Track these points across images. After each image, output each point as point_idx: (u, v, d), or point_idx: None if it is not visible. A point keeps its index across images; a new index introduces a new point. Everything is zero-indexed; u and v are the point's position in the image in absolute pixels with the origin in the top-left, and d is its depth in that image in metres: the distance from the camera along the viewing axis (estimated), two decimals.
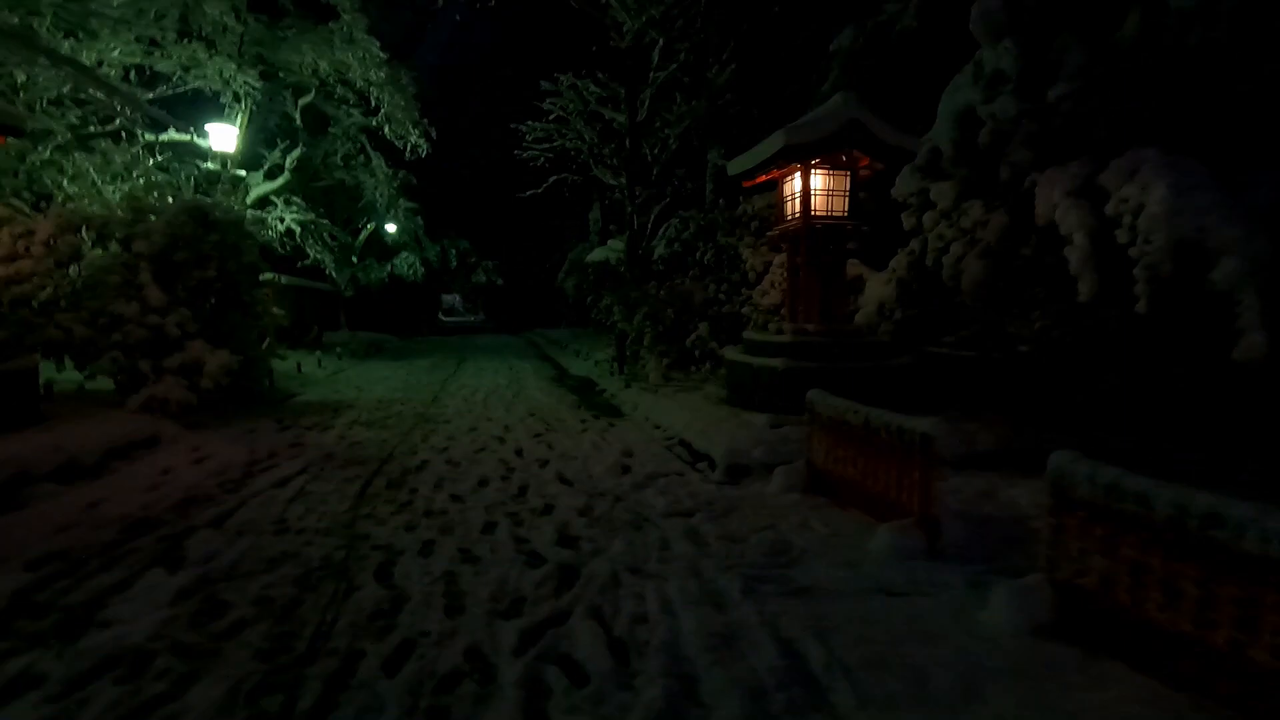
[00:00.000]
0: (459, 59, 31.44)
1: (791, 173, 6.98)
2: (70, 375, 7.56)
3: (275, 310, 10.57)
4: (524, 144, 12.02)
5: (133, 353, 7.14)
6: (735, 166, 7.27)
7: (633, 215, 10.94)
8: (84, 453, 5.28)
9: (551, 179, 12.22)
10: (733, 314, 9.92)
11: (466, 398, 9.86)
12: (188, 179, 10.13)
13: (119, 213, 8.05)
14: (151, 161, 9.68)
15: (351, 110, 14.75)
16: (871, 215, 7.99)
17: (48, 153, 8.98)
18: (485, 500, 4.74)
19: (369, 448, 6.43)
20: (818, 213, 6.81)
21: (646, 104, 10.52)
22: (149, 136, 11.35)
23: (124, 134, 10.76)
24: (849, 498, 4.45)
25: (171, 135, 11.52)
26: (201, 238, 8.15)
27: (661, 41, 10.08)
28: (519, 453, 6.27)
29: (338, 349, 16.08)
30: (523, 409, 8.78)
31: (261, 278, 14.40)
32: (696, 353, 9.87)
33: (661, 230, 11.87)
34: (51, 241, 6.80)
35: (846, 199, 6.90)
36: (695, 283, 10.73)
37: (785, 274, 8.19)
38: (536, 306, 40.96)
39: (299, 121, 13.76)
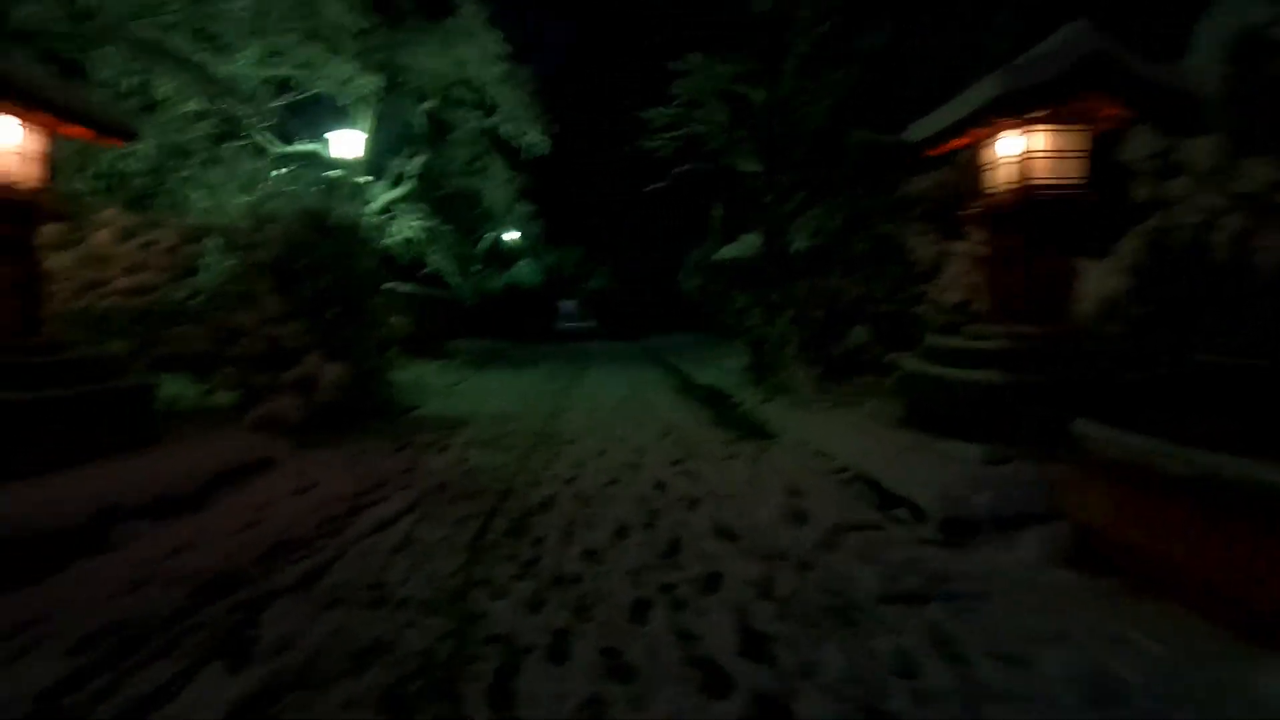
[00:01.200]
0: (575, 59, 31.34)
1: (999, 132, 5.45)
2: (188, 390, 7.34)
3: (396, 319, 10.21)
4: (648, 134, 11.03)
5: (250, 366, 6.75)
6: (921, 130, 5.83)
7: (772, 204, 9.64)
8: (185, 482, 4.73)
9: (680, 169, 11.14)
10: (896, 314, 8.38)
11: (590, 412, 8.95)
12: (309, 187, 9.94)
13: (242, 222, 7.79)
14: (275, 172, 9.55)
15: (471, 114, 14.45)
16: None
17: (187, 170, 8.99)
18: (628, 561, 3.66)
19: (486, 475, 5.57)
20: (1041, 180, 5.24)
21: (789, 76, 9.20)
22: (277, 148, 11.40)
23: (252, 146, 10.82)
24: (1164, 584, 2.97)
25: (297, 147, 11.53)
26: (317, 244, 7.74)
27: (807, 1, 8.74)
28: (659, 487, 5.17)
29: (458, 358, 15.86)
30: (655, 427, 7.71)
31: (383, 286, 14.43)
32: (854, 361, 8.42)
33: (798, 222, 10.48)
34: (174, 251, 6.52)
35: (1080, 162, 5.27)
36: (844, 279, 9.26)
37: (979, 263, 6.60)
38: (652, 312, 40.26)
39: (423, 127, 13.57)
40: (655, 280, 37.22)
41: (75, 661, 2.62)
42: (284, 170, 9.90)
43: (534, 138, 12.91)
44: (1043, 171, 5.24)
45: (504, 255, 28.92)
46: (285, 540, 4.01)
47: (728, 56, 9.87)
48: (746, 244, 11.04)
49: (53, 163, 5.22)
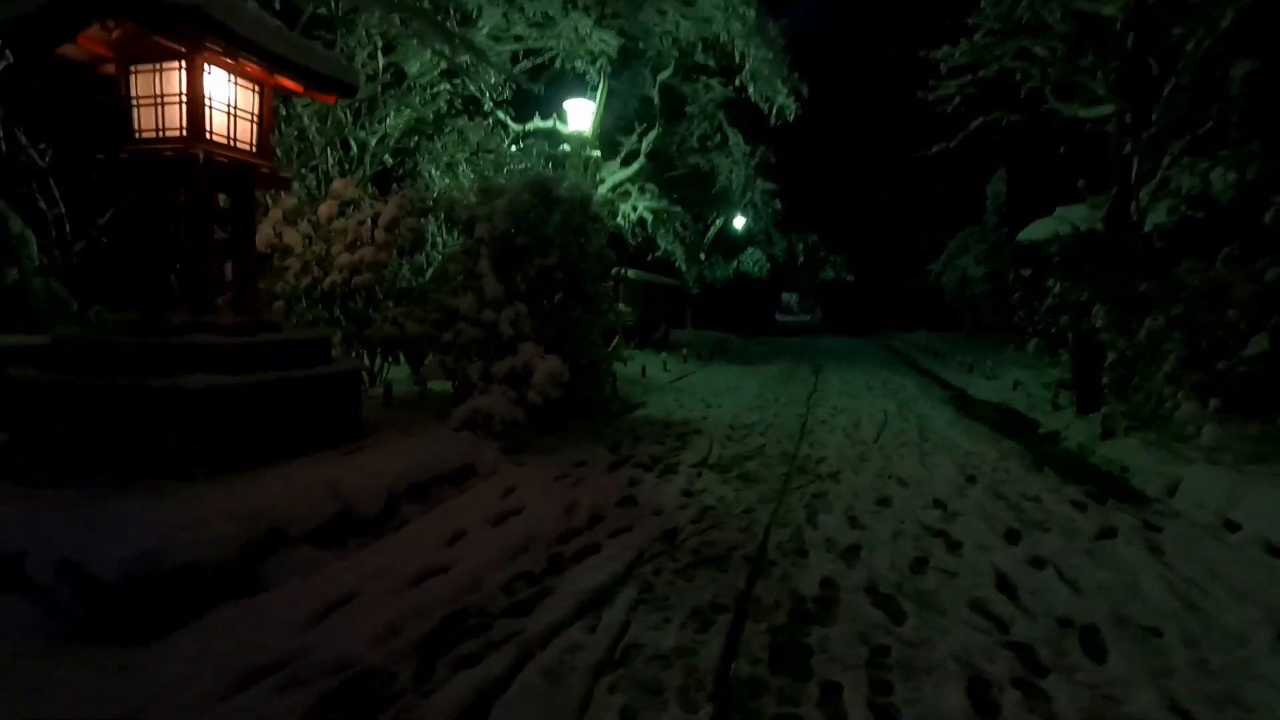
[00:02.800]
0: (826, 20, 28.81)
1: None
2: (402, 377, 6.84)
3: (622, 308, 9.19)
4: (931, 84, 8.69)
5: (463, 355, 5.99)
6: None
7: (1131, 157, 6.83)
8: (369, 497, 3.85)
9: (976, 122, 8.63)
10: None
11: (847, 431, 7.06)
12: (540, 158, 9.22)
13: (471, 195, 7.14)
14: (507, 142, 8.96)
15: (711, 83, 13.09)
16: None
17: (416, 139, 8.72)
18: None
19: (727, 525, 4.05)
20: None
21: None
22: (515, 126, 11.00)
23: (492, 122, 10.48)
24: None
25: (536, 124, 11.03)
26: (544, 219, 6.82)
27: None
28: (1005, 588, 3.21)
29: (683, 350, 14.74)
30: (947, 464, 5.63)
31: (613, 271, 13.69)
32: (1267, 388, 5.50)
33: (1150, 187, 7.44)
34: (394, 227, 5.94)
35: None
36: (1234, 268, 6.21)
37: None
38: (888, 307, 36.42)
39: (656, 100, 12.52)
40: (895, 271, 33.39)
41: None
42: (518, 144, 9.30)
43: (782, 100, 11.16)
44: None
45: (732, 242, 27.58)
46: (459, 612, 2.83)
47: None
48: (1068, 218, 8.21)
49: (269, 121, 4.65)
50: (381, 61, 8.62)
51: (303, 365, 4.53)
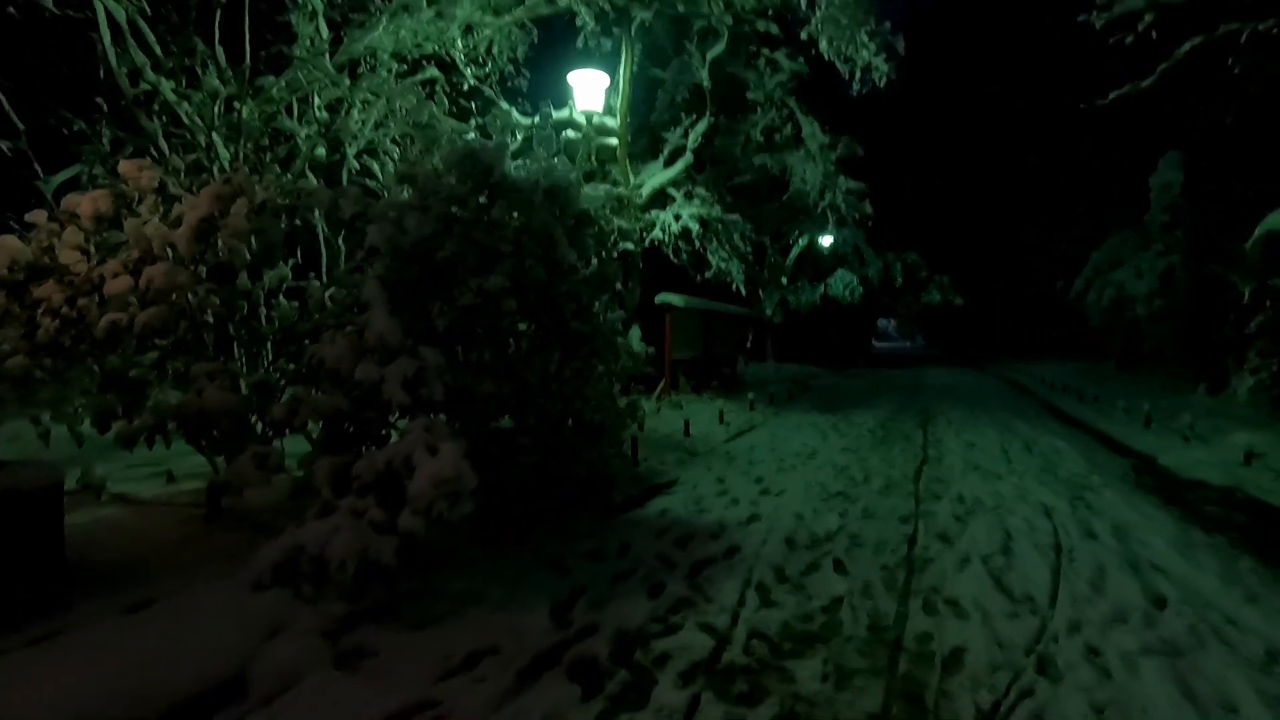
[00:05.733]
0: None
1: None
2: (191, 473, 4.46)
3: (635, 348, 6.61)
4: (1101, 4, 5.66)
5: (336, 441, 3.57)
6: None
7: None
8: None
9: (1187, 45, 5.51)
10: None
11: (993, 568, 4.02)
12: (544, 149, 6.84)
13: (390, 183, 4.82)
14: (448, 104, 6.65)
15: (776, 57, 10.42)
16: None
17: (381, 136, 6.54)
18: None
19: None
20: None
21: None
22: (521, 119, 8.74)
23: (493, 116, 8.28)
24: None
25: (550, 114, 8.73)
26: (483, 217, 4.39)
27: None
28: None
29: (750, 394, 11.88)
30: (1238, 681, 2.61)
31: (658, 299, 11.10)
32: None
33: None
34: (209, 233, 3.63)
35: None
36: None
37: None
38: (1005, 332, 31.83)
39: (707, 84, 9.97)
40: (1013, 290, 28.90)
41: None
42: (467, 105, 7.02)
43: (868, 57, 8.30)
44: None
45: (819, 264, 24.47)
46: None
47: None
48: None
49: None
50: (325, 30, 6.57)
51: None
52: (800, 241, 21.27)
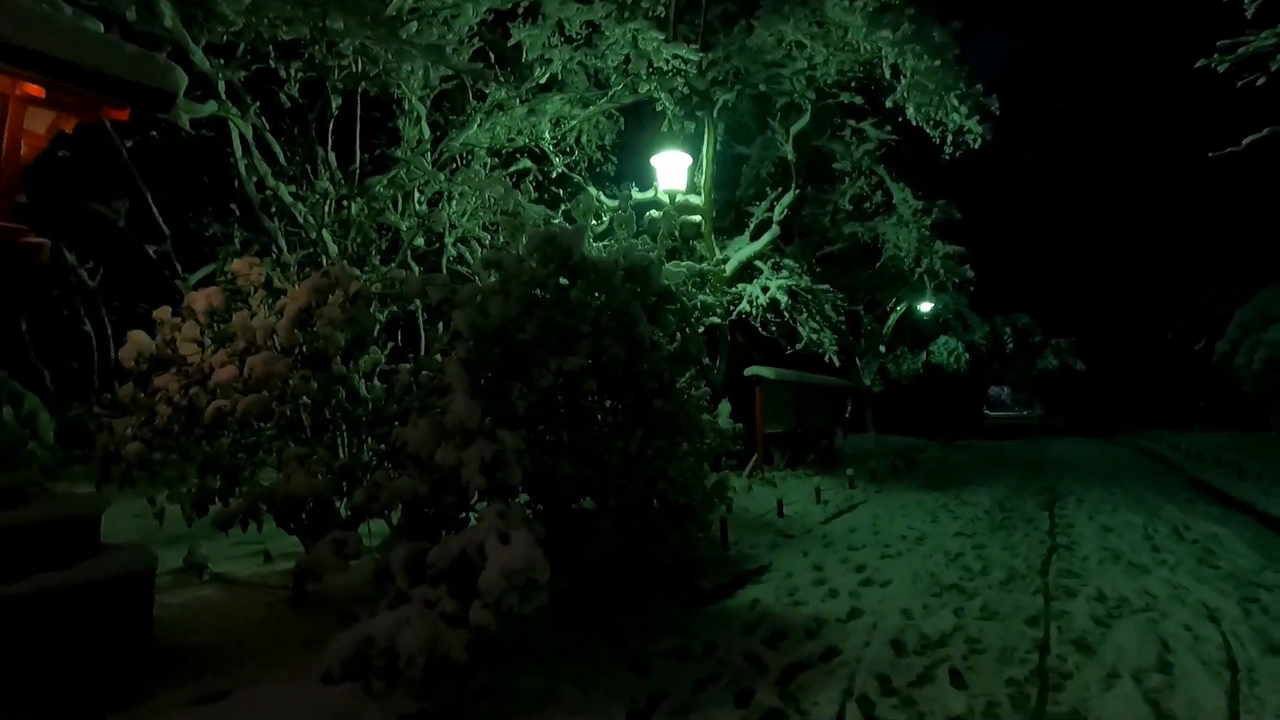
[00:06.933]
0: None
1: None
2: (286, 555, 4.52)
3: (724, 423, 6.39)
4: (1225, 48, 5.22)
5: (397, 530, 3.58)
6: None
7: None
8: None
9: None
10: None
11: (1147, 681, 3.40)
12: (628, 230, 6.97)
13: (479, 269, 5.00)
14: (534, 194, 6.88)
15: (862, 127, 10.32)
16: None
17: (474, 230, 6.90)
18: None
19: None
20: None
21: None
22: (608, 202, 9.02)
23: (579, 201, 8.59)
24: None
25: (634, 195, 8.97)
26: (564, 298, 4.43)
27: None
28: None
29: (849, 470, 11.22)
30: None
31: (747, 372, 10.86)
32: None
33: None
34: (308, 322, 3.84)
35: None
36: None
37: None
38: (1137, 399, 28.93)
39: (792, 158, 9.96)
40: (1144, 353, 26.41)
41: None
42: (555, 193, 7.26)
43: (959, 120, 8.01)
44: None
45: (919, 330, 23.46)
46: None
47: None
48: None
49: (18, 155, 2.81)
50: (426, 132, 7.10)
51: (39, 567, 2.39)
52: (898, 308, 20.51)
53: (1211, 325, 17.75)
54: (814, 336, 10.02)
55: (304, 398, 3.83)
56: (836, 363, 11.54)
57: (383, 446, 4.02)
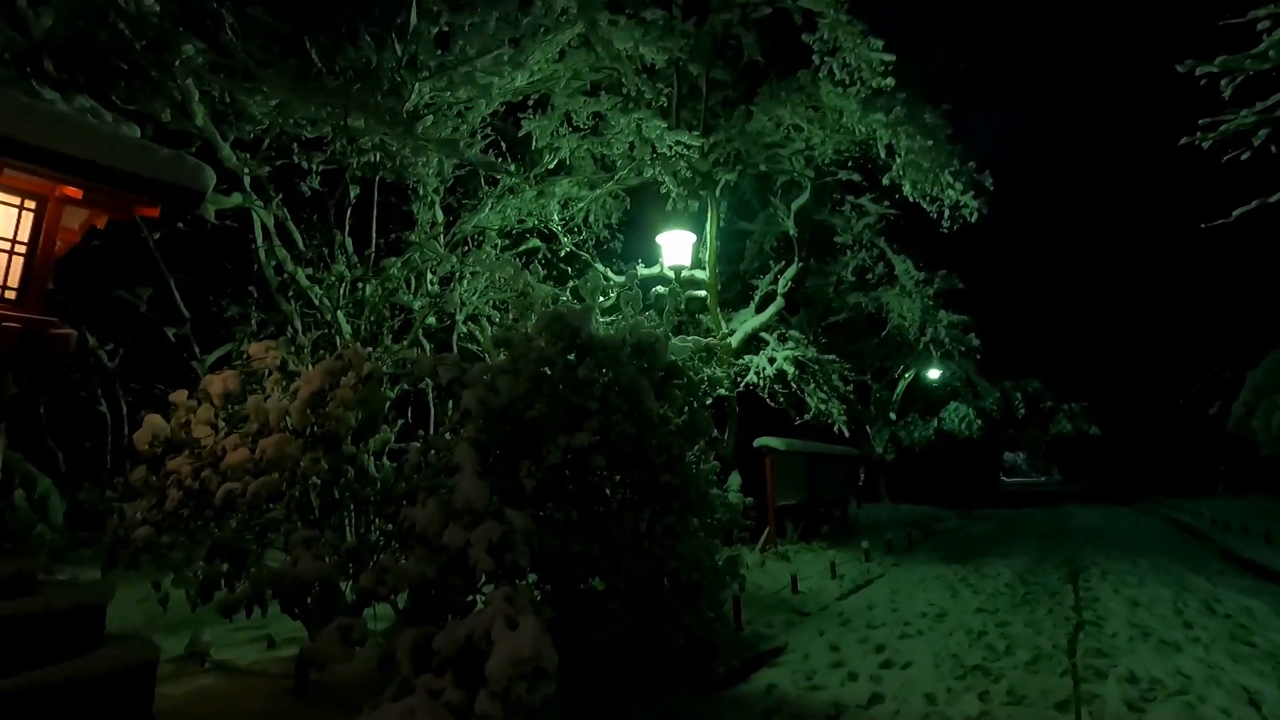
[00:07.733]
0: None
1: None
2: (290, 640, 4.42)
3: (733, 497, 6.33)
4: (1206, 126, 5.44)
5: (403, 615, 3.52)
6: None
7: None
8: None
9: None
10: None
11: None
12: (633, 307, 7.12)
13: (489, 347, 5.09)
14: (543, 272, 7.06)
15: (861, 203, 10.64)
16: None
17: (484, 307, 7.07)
18: None
19: None
20: None
21: None
22: (615, 278, 9.24)
23: (585, 280, 8.81)
24: None
25: (640, 271, 9.19)
26: (572, 376, 4.49)
27: None
28: None
29: (864, 542, 10.97)
30: None
31: (756, 443, 10.80)
32: None
33: None
34: (321, 404, 3.91)
35: None
36: None
37: None
38: (1155, 463, 28.37)
39: (794, 233, 10.25)
40: (1160, 417, 26.07)
41: None
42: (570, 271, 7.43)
43: (955, 195, 8.27)
44: None
45: (929, 397, 23.35)
46: None
47: None
48: None
49: (50, 252, 2.97)
50: (440, 216, 7.37)
51: (42, 658, 2.37)
52: (906, 376, 20.51)
53: (1221, 388, 17.61)
54: (822, 406, 10.01)
55: (314, 478, 3.84)
56: (846, 432, 11.48)
57: (390, 526, 4.00)
